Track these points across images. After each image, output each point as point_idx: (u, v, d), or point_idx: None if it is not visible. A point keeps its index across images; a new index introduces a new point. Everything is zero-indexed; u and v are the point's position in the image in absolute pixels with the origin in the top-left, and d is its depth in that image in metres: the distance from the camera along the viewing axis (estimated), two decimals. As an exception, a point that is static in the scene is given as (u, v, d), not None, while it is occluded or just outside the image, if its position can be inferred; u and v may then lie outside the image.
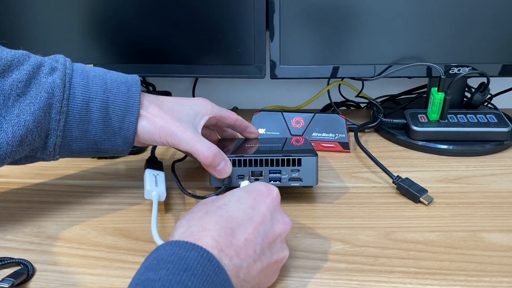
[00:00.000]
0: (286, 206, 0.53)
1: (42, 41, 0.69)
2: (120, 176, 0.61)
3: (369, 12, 0.66)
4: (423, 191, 0.54)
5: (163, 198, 0.52)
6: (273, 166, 0.51)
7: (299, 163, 0.51)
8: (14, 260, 0.44)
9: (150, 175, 0.54)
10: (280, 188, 0.45)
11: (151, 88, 0.84)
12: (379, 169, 0.60)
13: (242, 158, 0.51)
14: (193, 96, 0.90)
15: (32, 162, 0.49)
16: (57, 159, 0.49)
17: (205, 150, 0.49)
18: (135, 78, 0.51)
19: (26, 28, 0.69)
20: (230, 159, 0.51)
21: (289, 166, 0.51)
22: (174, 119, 0.50)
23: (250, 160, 0.51)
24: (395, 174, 0.57)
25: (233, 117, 0.57)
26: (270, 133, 0.69)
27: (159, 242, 0.44)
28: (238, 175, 0.52)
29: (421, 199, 0.53)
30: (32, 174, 0.62)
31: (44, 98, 0.45)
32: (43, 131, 0.46)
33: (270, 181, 0.52)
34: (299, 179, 0.52)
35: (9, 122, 0.43)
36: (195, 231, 0.36)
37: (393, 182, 0.57)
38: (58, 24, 0.68)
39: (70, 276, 0.43)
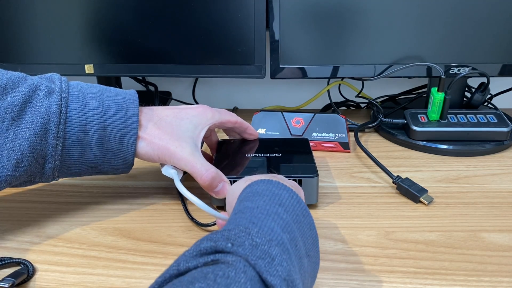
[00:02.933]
0: (286, 206, 0.53)
1: (43, 40, 0.69)
2: (120, 176, 0.61)
3: (369, 12, 0.66)
4: (423, 191, 0.54)
5: (180, 175, 0.52)
6: None
7: (300, 184, 0.51)
8: (14, 260, 0.44)
9: None
10: None
11: (152, 88, 0.84)
12: (379, 169, 0.60)
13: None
14: (193, 96, 0.90)
15: (32, 185, 0.48)
16: (57, 179, 0.49)
17: (203, 173, 0.49)
18: (133, 97, 0.49)
19: (28, 26, 0.69)
20: (231, 180, 0.51)
21: None
22: (173, 138, 0.49)
23: None
24: (395, 174, 0.57)
25: (232, 120, 0.57)
26: (270, 133, 0.69)
27: (217, 213, 0.47)
28: None
29: (421, 199, 0.53)
30: (32, 174, 0.62)
31: (40, 124, 0.44)
32: (40, 156, 0.45)
33: None
34: None
35: (4, 146, 0.42)
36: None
37: (393, 182, 0.57)
38: (59, 24, 0.68)
39: (70, 276, 0.43)
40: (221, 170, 0.52)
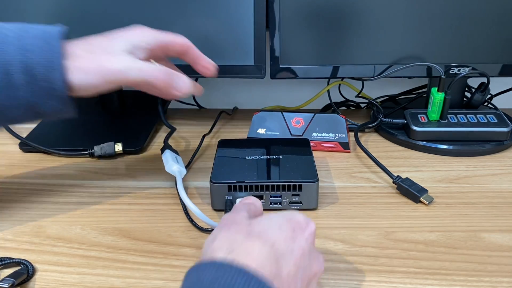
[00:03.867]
0: (286, 206, 0.53)
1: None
2: (120, 176, 0.61)
3: (369, 12, 0.66)
4: (423, 191, 0.54)
5: (183, 174, 0.52)
6: (274, 191, 0.52)
7: (300, 189, 0.51)
8: (14, 260, 0.44)
9: (170, 153, 0.57)
10: None
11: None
12: (379, 169, 0.60)
13: (243, 184, 0.51)
14: (194, 96, 0.90)
15: None
16: None
17: (154, 71, 0.45)
18: (55, 28, 0.45)
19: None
20: (231, 185, 0.51)
21: (290, 191, 0.51)
22: (107, 55, 0.45)
23: (251, 186, 0.51)
24: (395, 174, 0.57)
25: (178, 41, 0.50)
26: (270, 133, 0.69)
27: (212, 222, 0.47)
28: (238, 198, 0.52)
29: (421, 199, 0.53)
30: (32, 174, 0.62)
31: None
32: None
33: (270, 204, 0.52)
34: (300, 203, 0.52)
35: None
36: (240, 254, 0.32)
37: (393, 182, 0.57)
38: (59, 24, 0.68)
39: (70, 276, 0.43)
40: (220, 174, 0.53)
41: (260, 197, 0.52)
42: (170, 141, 0.66)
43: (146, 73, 0.45)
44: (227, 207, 0.51)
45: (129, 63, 0.45)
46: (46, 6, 0.67)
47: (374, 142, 0.70)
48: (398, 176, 0.57)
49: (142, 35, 0.48)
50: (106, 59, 0.45)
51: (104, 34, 0.48)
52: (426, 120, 0.68)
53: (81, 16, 0.68)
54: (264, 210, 0.52)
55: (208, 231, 0.49)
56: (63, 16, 0.68)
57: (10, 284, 0.40)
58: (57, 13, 0.68)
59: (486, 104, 0.77)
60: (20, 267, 0.43)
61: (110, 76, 0.44)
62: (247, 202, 0.42)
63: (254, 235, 0.34)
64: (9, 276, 0.41)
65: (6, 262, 0.44)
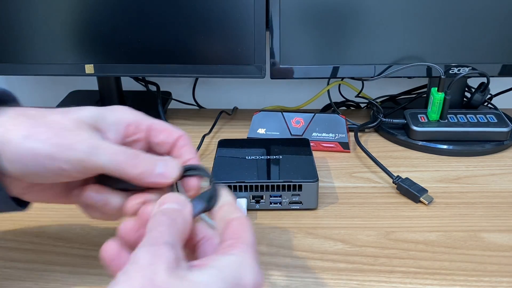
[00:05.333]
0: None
1: (43, 40, 0.69)
2: (120, 176, 0.61)
3: (369, 12, 0.66)
4: (423, 191, 0.54)
5: None
6: (274, 191, 0.52)
7: (300, 189, 0.51)
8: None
9: None
10: None
11: (153, 88, 0.84)
12: (379, 169, 0.60)
13: (243, 184, 0.51)
14: (193, 96, 0.90)
15: None
16: None
17: (128, 159, 0.33)
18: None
19: (27, 26, 0.69)
20: (231, 185, 0.51)
21: (290, 191, 0.51)
22: (66, 125, 0.33)
23: (251, 186, 0.51)
24: (395, 174, 0.57)
25: (170, 131, 0.38)
26: (270, 133, 0.69)
27: (210, 221, 0.40)
28: (238, 198, 0.52)
29: (421, 199, 0.53)
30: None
31: None
32: None
33: (270, 204, 0.52)
34: (300, 203, 0.52)
35: None
36: None
37: (393, 182, 0.57)
38: (59, 23, 0.68)
39: (70, 276, 0.43)
40: (220, 174, 0.52)
41: (260, 197, 0.52)
42: (170, 141, 0.66)
43: (119, 161, 0.33)
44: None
45: (99, 142, 0.33)
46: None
47: (374, 142, 0.70)
48: (398, 176, 0.57)
49: (120, 110, 0.37)
50: (70, 131, 0.33)
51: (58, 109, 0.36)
52: (426, 120, 0.68)
53: (90, 13, 0.68)
54: (264, 210, 0.53)
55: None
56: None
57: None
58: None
59: (486, 104, 0.77)
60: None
61: (70, 154, 0.32)
62: (168, 219, 0.29)
63: None
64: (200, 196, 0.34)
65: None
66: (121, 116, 0.37)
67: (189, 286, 0.25)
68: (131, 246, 0.31)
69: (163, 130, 0.37)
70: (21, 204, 0.38)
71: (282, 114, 0.70)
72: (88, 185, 0.36)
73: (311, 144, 0.60)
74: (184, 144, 0.37)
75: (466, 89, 0.75)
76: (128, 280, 0.25)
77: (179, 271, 0.26)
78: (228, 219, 0.31)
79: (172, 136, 0.37)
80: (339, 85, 0.83)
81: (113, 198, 0.36)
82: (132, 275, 0.25)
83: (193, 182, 0.36)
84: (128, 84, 0.86)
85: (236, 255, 0.28)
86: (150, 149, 0.38)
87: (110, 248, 0.32)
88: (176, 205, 0.30)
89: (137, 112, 0.38)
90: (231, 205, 0.33)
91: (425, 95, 0.77)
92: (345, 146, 0.67)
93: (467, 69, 0.68)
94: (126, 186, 0.35)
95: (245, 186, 0.51)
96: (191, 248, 0.32)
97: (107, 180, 0.36)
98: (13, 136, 0.32)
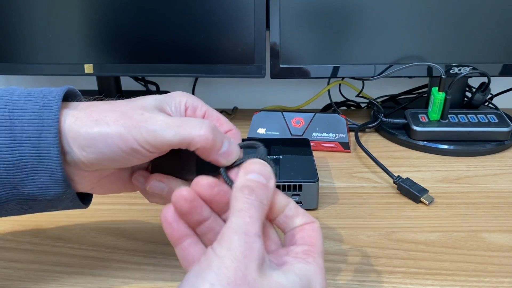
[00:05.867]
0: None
1: (43, 40, 0.69)
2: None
3: (369, 12, 0.65)
4: (424, 191, 0.54)
5: None
6: None
7: (300, 189, 0.51)
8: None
9: None
10: None
11: (153, 88, 0.84)
12: (379, 169, 0.60)
13: None
14: (193, 95, 0.90)
15: None
16: None
17: (200, 128, 0.33)
18: (58, 89, 0.36)
19: (27, 26, 0.69)
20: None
21: (290, 191, 0.51)
22: (131, 108, 0.34)
23: None
24: (396, 174, 0.57)
25: (223, 121, 0.40)
26: (270, 133, 0.69)
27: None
28: None
29: (422, 199, 0.53)
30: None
31: None
32: None
33: None
34: (300, 203, 0.52)
35: None
36: None
37: (393, 182, 0.56)
38: (59, 23, 0.68)
39: (70, 276, 0.43)
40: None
41: None
42: (170, 141, 0.66)
43: (188, 130, 0.33)
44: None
45: (167, 118, 0.34)
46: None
47: (375, 142, 0.70)
48: (398, 176, 0.57)
49: (170, 94, 0.38)
50: (135, 111, 0.34)
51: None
52: (427, 120, 0.68)
53: (90, 12, 0.68)
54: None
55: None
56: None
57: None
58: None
59: (486, 104, 0.77)
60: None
61: (141, 134, 0.32)
62: (256, 200, 0.30)
63: None
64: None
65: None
66: (180, 99, 0.38)
67: (272, 287, 0.27)
68: (205, 201, 0.33)
69: (216, 119, 0.39)
70: (84, 202, 0.39)
71: (282, 114, 0.70)
72: (151, 175, 0.37)
73: (311, 144, 0.60)
74: (236, 140, 0.38)
75: (467, 89, 0.75)
76: (223, 267, 0.26)
77: (266, 269, 0.28)
78: (301, 223, 0.33)
79: (223, 127, 0.38)
80: (340, 85, 0.83)
81: (174, 185, 0.37)
82: (227, 263, 0.26)
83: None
84: (128, 84, 0.86)
85: (312, 265, 0.30)
86: None
87: (171, 212, 0.32)
88: (263, 179, 0.32)
89: (194, 97, 0.39)
90: (296, 207, 0.34)
91: (425, 95, 0.77)
92: (345, 146, 0.67)
93: (468, 68, 0.68)
94: (181, 174, 0.37)
95: None
96: None
97: (163, 168, 0.37)
98: (83, 123, 0.33)
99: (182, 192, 0.31)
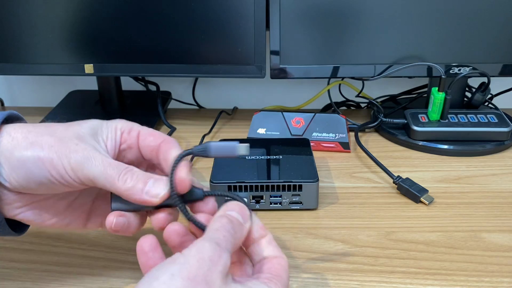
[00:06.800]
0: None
1: (43, 40, 0.69)
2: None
3: (369, 12, 0.65)
4: (424, 191, 0.54)
5: None
6: (274, 191, 0.51)
7: (300, 189, 0.51)
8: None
9: None
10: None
11: (153, 88, 0.84)
12: (379, 169, 0.60)
13: (243, 184, 0.51)
14: (193, 96, 0.90)
15: None
16: None
17: (124, 174, 0.34)
18: (4, 112, 0.36)
19: (27, 26, 0.69)
20: (231, 185, 0.51)
21: (290, 191, 0.51)
22: (68, 137, 0.35)
23: (251, 186, 0.51)
24: (396, 174, 0.57)
25: (157, 135, 0.39)
26: (270, 133, 0.69)
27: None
28: None
29: (421, 199, 0.53)
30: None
31: None
32: None
33: (270, 204, 0.52)
34: (300, 203, 0.52)
35: None
36: None
37: (393, 182, 0.56)
38: (58, 23, 0.68)
39: (70, 276, 0.43)
40: (220, 174, 0.52)
41: (260, 197, 0.52)
42: (170, 141, 0.66)
43: (109, 174, 0.34)
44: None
45: (100, 156, 0.34)
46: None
47: (375, 142, 0.70)
48: (398, 176, 0.57)
49: (106, 121, 0.39)
50: (70, 141, 0.35)
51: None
52: (427, 120, 0.68)
53: (90, 12, 0.68)
54: (264, 210, 0.52)
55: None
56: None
57: None
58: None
59: (486, 104, 0.77)
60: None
61: (73, 165, 0.34)
62: (232, 229, 0.32)
63: None
64: None
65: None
66: (115, 125, 0.39)
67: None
68: (173, 247, 0.35)
69: (149, 135, 0.39)
70: (16, 230, 0.39)
71: (282, 114, 0.70)
72: (111, 212, 0.37)
73: (311, 144, 0.60)
74: (169, 148, 0.37)
75: (467, 89, 0.75)
76: (187, 263, 0.27)
77: (227, 279, 0.29)
78: (269, 256, 0.34)
79: (157, 140, 0.38)
80: (340, 85, 0.83)
81: (132, 220, 0.37)
82: (191, 261, 0.28)
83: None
84: (128, 84, 0.86)
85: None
86: (144, 158, 0.40)
87: (148, 242, 0.33)
88: (241, 219, 0.33)
89: (130, 122, 0.40)
90: (270, 241, 0.35)
91: (425, 95, 0.77)
92: (345, 146, 0.67)
93: (467, 69, 0.68)
94: (137, 207, 0.37)
95: (245, 186, 0.51)
96: None
97: (118, 202, 0.37)
98: (18, 144, 0.34)
99: (175, 227, 0.34)
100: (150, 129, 0.39)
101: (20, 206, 0.36)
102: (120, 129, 0.38)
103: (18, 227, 0.39)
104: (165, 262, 0.28)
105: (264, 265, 0.33)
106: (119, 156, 0.39)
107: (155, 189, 0.34)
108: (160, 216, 0.36)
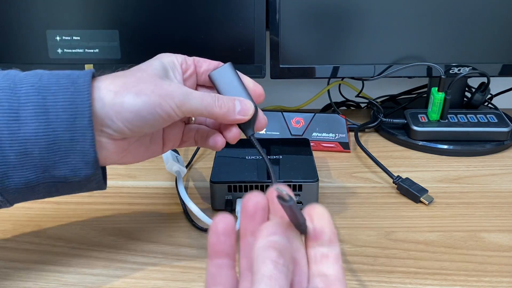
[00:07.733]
0: (286, 206, 0.53)
1: (42, 40, 0.69)
2: (120, 176, 0.61)
3: (369, 12, 0.66)
4: (424, 191, 0.54)
5: (183, 174, 0.53)
6: None
7: (300, 189, 0.51)
8: None
9: (171, 152, 0.57)
10: None
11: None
12: (379, 169, 0.60)
13: (243, 184, 0.51)
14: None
15: None
16: (7, 205, 0.37)
17: (214, 100, 0.40)
18: (83, 71, 0.37)
19: (27, 26, 0.69)
20: (231, 185, 0.51)
21: None
22: (156, 78, 0.38)
23: (251, 186, 0.51)
24: (395, 174, 0.57)
25: (209, 61, 0.45)
26: (270, 133, 0.69)
27: (210, 221, 0.44)
28: (238, 198, 0.52)
29: (421, 199, 0.53)
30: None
31: None
32: None
33: None
34: (300, 203, 0.52)
35: None
36: None
37: (393, 182, 0.56)
38: (59, 23, 0.68)
39: (70, 276, 0.43)
40: (220, 174, 0.52)
41: None
42: (170, 141, 0.66)
43: (207, 103, 0.39)
44: (227, 207, 0.51)
45: (183, 88, 0.39)
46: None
47: (374, 142, 0.70)
48: (398, 176, 0.57)
49: (168, 55, 0.42)
50: (163, 82, 0.38)
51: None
52: (426, 120, 0.68)
53: (89, 12, 0.68)
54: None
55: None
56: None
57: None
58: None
59: (486, 104, 0.77)
60: None
61: (172, 101, 0.37)
62: (284, 268, 0.25)
63: None
64: None
65: None
66: (172, 59, 0.42)
67: None
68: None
69: (203, 61, 0.44)
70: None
71: (282, 114, 0.70)
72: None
73: (311, 144, 0.60)
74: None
75: (467, 89, 0.75)
76: None
77: None
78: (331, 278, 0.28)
79: (212, 64, 0.44)
80: (339, 85, 0.83)
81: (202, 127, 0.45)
82: None
83: (261, 122, 0.44)
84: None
85: None
86: (197, 83, 0.45)
87: (224, 223, 0.28)
88: (286, 239, 0.27)
89: (178, 55, 0.43)
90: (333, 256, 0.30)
91: (425, 95, 0.77)
92: (345, 146, 0.67)
93: (467, 69, 0.68)
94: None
95: (245, 186, 0.51)
96: None
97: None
98: (123, 97, 0.36)
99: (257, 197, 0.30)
100: (201, 58, 0.44)
101: (122, 151, 0.40)
102: (179, 61, 0.42)
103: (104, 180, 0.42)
104: None
105: None
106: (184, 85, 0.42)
107: (246, 107, 0.41)
108: (234, 130, 0.42)
